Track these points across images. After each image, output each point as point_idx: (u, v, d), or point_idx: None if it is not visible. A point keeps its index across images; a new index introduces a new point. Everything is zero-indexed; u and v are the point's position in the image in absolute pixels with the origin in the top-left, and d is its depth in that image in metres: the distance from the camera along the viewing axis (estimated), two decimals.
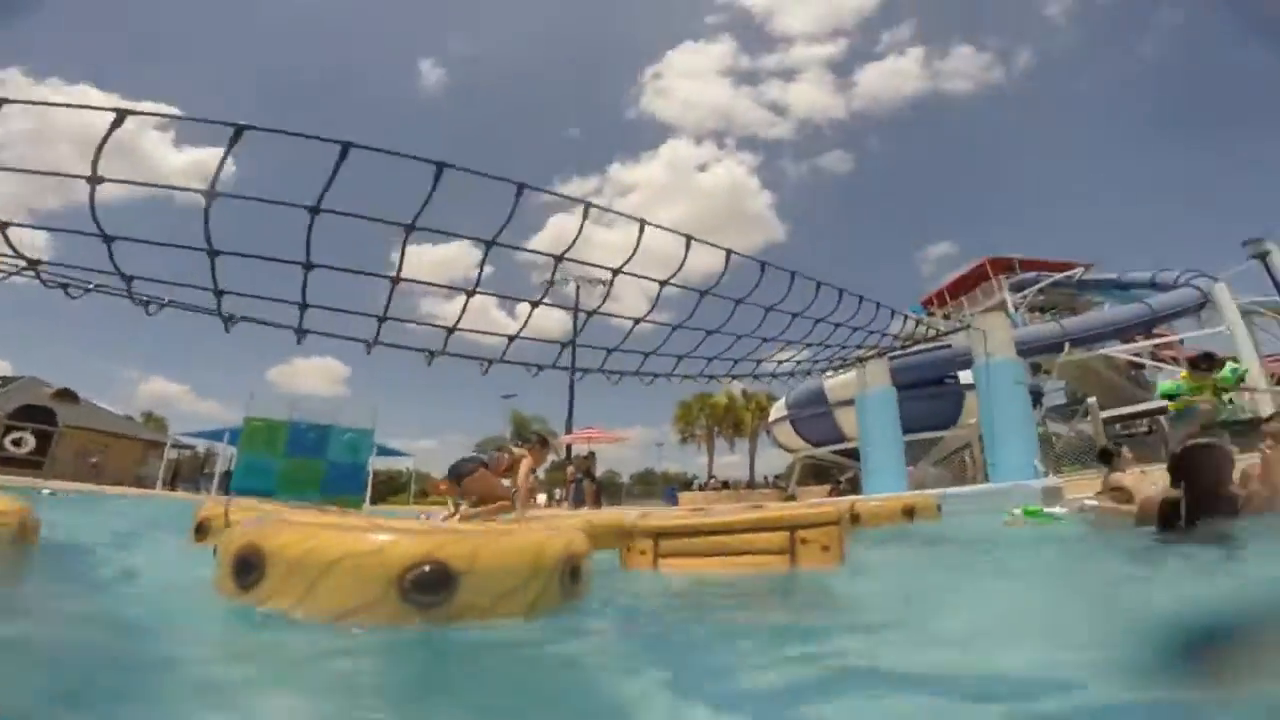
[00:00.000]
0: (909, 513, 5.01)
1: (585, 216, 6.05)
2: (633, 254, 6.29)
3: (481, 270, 6.10)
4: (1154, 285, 19.90)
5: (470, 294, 6.29)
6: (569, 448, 19.41)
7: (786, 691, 1.19)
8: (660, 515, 3.44)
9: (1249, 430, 5.54)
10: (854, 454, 14.30)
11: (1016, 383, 9.77)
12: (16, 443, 20.85)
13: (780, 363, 10.00)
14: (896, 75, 66.56)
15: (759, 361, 10.21)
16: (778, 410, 21.64)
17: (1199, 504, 2.45)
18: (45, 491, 8.16)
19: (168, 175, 61.50)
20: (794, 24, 73.13)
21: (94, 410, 27.19)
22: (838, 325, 8.99)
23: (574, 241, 6.37)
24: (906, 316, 9.52)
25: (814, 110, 71.66)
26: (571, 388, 18.80)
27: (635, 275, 7.07)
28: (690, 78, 74.72)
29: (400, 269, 5.69)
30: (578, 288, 20.68)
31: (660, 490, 29.07)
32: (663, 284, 7.26)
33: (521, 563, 1.77)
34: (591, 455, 16.99)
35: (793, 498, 18.00)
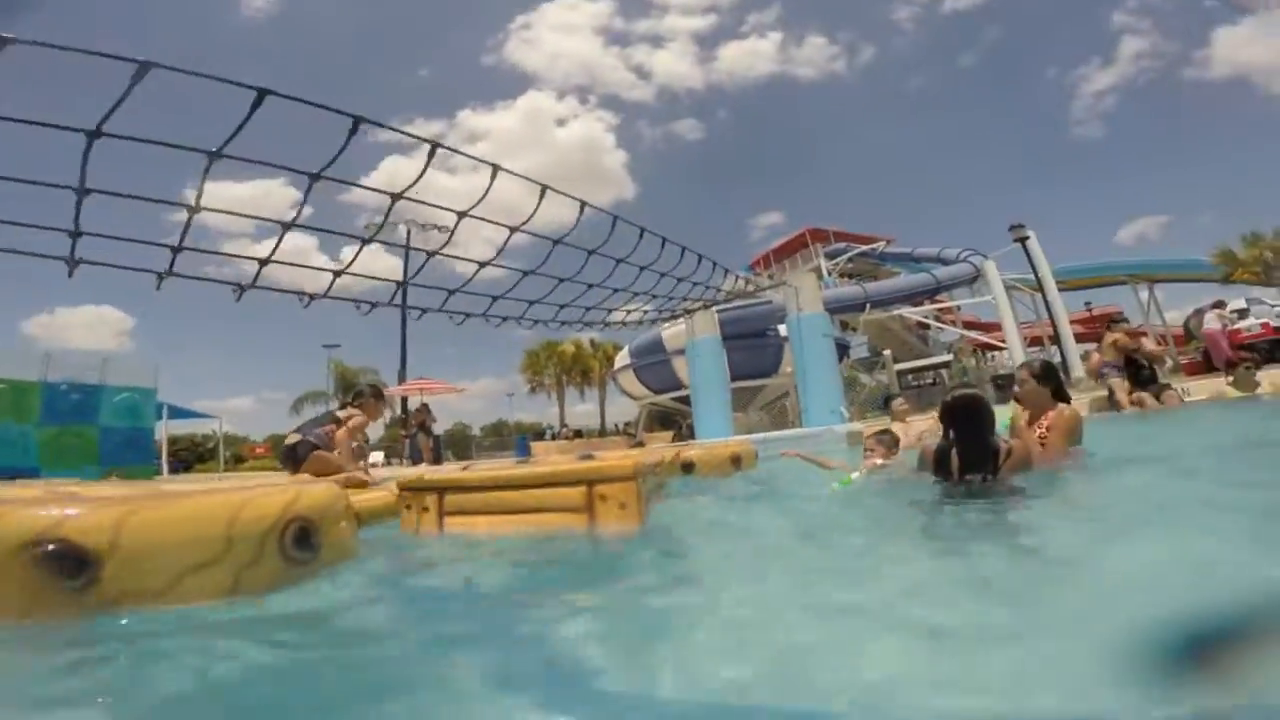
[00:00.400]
0: (736, 461, 4.70)
1: (430, 159, 5.19)
2: (482, 197, 5.72)
3: (302, 208, 5.17)
4: (940, 260, 23.38)
5: (287, 226, 5.31)
6: (404, 401, 18.61)
7: (556, 678, 1.05)
8: (455, 472, 3.05)
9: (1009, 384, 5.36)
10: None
11: (824, 335, 10.92)
12: None
13: (629, 312, 10.58)
14: (754, 55, 69.85)
15: (610, 310, 10.50)
16: (621, 359, 22.51)
17: (967, 454, 2.55)
18: None
19: None
20: None
21: None
22: (680, 280, 9.44)
23: (415, 181, 5.43)
24: (737, 276, 10.76)
25: (675, 78, 73.06)
26: (404, 333, 17.96)
27: (484, 219, 6.12)
28: (563, 31, 72.28)
29: (198, 200, 4.63)
30: (409, 230, 19.63)
31: (512, 441, 29.20)
32: (513, 230, 6.45)
33: (206, 531, 1.45)
34: (425, 407, 16.19)
35: (641, 444, 19.05)
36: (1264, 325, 11.86)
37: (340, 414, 5.14)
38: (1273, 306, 13.04)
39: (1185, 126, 65.61)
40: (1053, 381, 3.20)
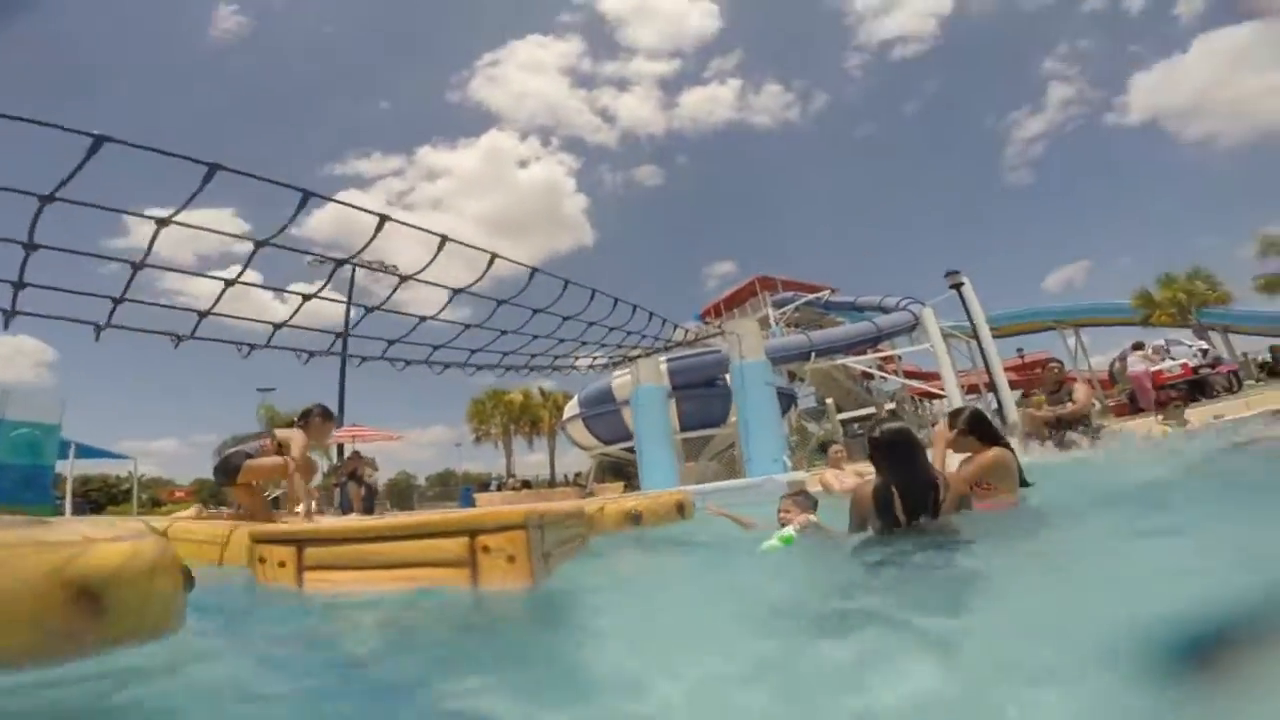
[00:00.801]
0: (680, 509, 4.63)
1: (379, 230, 5.71)
2: (428, 264, 6.16)
3: (246, 265, 5.64)
4: (880, 309, 24.05)
5: (229, 284, 5.70)
6: (340, 449, 17.81)
7: None
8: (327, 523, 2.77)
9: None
10: None
11: (765, 383, 10.86)
12: None
13: (576, 358, 10.48)
14: (714, 102, 72.89)
15: (555, 358, 10.48)
16: (571, 409, 22.22)
17: (909, 492, 2.31)
18: None
19: None
20: (642, 37, 76.71)
21: None
22: (629, 332, 9.58)
23: (364, 247, 6.07)
24: (676, 326, 10.73)
25: (638, 123, 75.46)
26: (342, 379, 17.23)
27: (427, 282, 6.58)
28: (529, 71, 74.00)
29: (147, 255, 5.11)
30: (353, 274, 18.99)
31: (457, 492, 28.18)
32: (455, 292, 6.86)
33: None
34: (357, 455, 15.41)
35: (591, 494, 18.63)
36: (1183, 366, 12.43)
37: (279, 432, 4.71)
38: (1189, 347, 13.71)
39: (1106, 171, 70.48)
40: (980, 429, 3.10)
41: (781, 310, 27.91)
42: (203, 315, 6.04)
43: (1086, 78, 63.76)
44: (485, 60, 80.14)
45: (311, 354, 7.92)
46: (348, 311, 8.82)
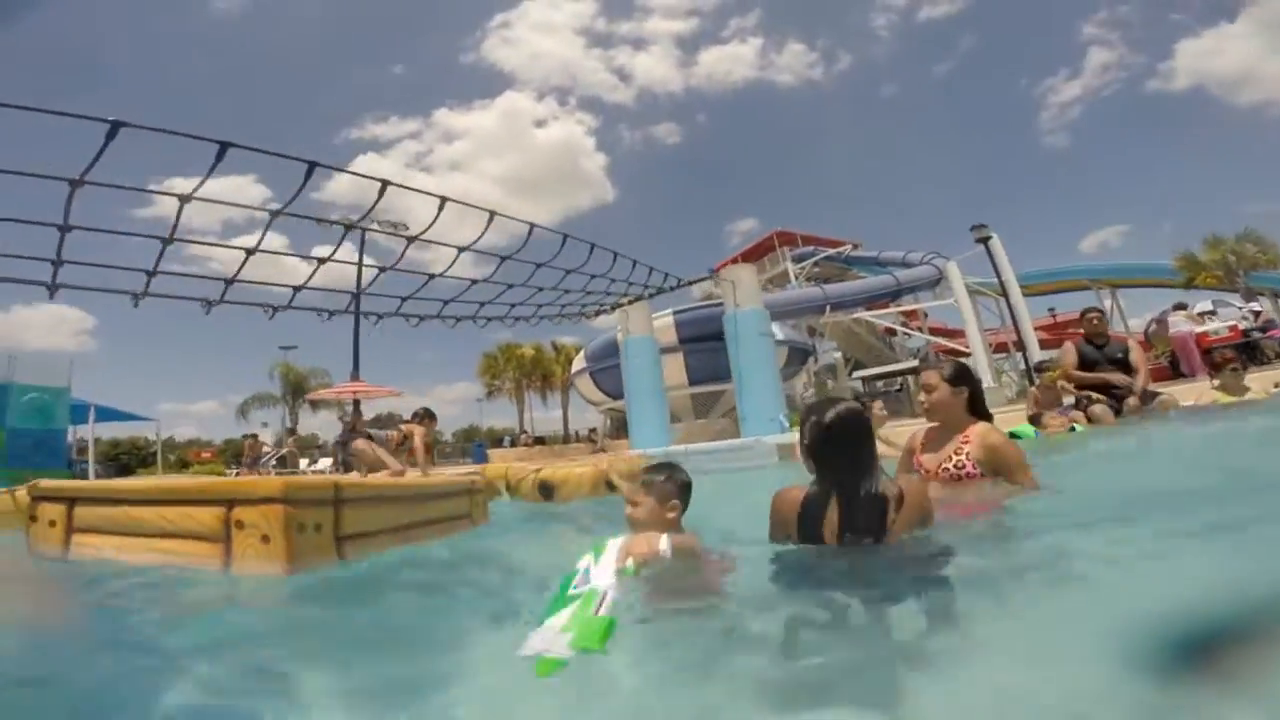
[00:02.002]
0: (610, 482, 3.85)
1: (381, 194, 6.09)
2: (429, 226, 6.53)
3: (265, 233, 6.28)
4: (904, 263, 22.92)
5: (250, 253, 6.24)
6: (356, 404, 17.68)
7: None
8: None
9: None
10: None
11: (761, 333, 10.09)
12: None
13: (583, 308, 10.25)
14: (734, 60, 70.33)
15: (562, 307, 10.36)
16: (578, 363, 21.86)
17: (853, 504, 1.63)
18: None
19: None
20: None
21: None
22: (631, 284, 9.61)
23: (366, 214, 6.60)
24: (666, 275, 10.05)
25: (655, 81, 73.40)
26: (356, 334, 17.00)
27: (431, 241, 7.12)
28: (544, 32, 72.33)
29: (174, 230, 5.78)
30: (362, 236, 18.63)
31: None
32: (461, 250, 7.19)
33: None
34: (359, 414, 15.38)
35: (602, 450, 18.30)
36: (1231, 328, 11.35)
37: (404, 426, 6.45)
38: (1239, 309, 12.60)
39: (1147, 137, 67.13)
40: (969, 387, 2.35)
41: (801, 265, 26.91)
42: (229, 283, 6.67)
43: (1127, 43, 59.99)
44: (497, 21, 78.33)
45: (331, 313, 8.75)
46: (359, 272, 9.76)
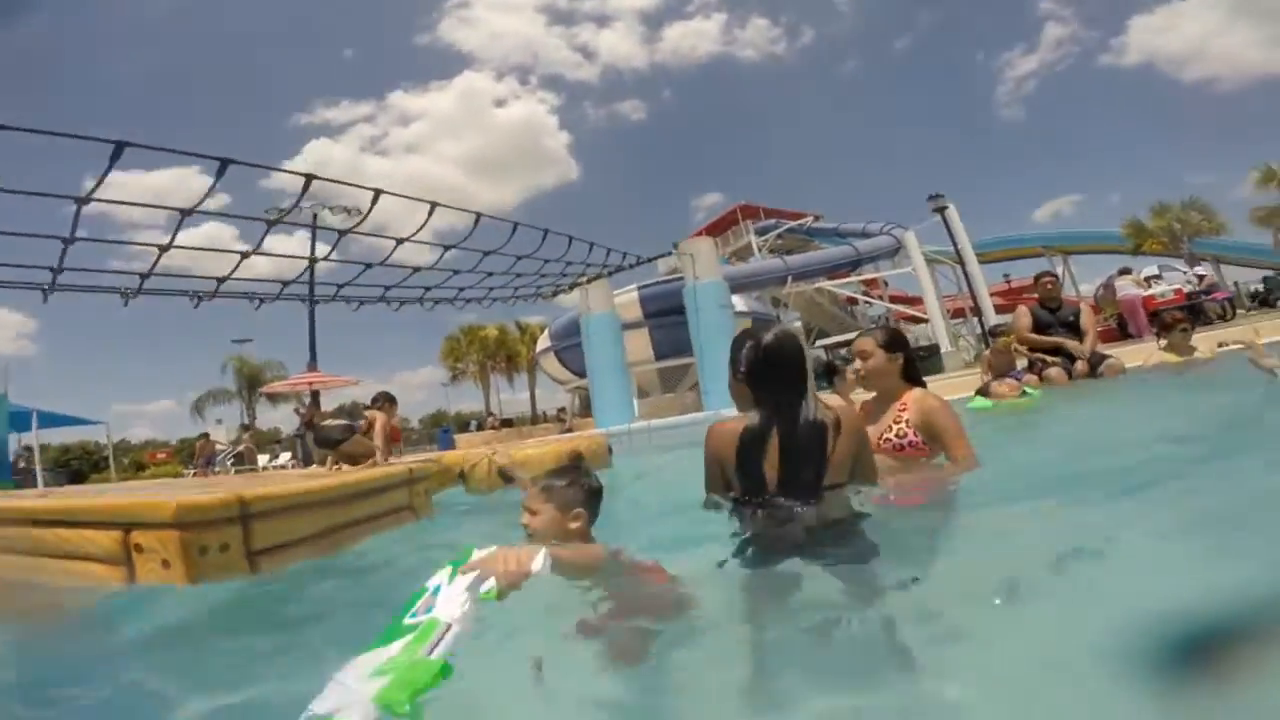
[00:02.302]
0: (506, 475, 3.53)
1: (305, 189, 6.19)
2: (363, 219, 6.64)
3: (176, 231, 6.08)
4: (864, 234, 23.07)
5: (185, 213, 5.96)
6: (315, 395, 17.13)
7: None
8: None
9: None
10: None
11: (720, 305, 10.00)
12: None
13: (539, 289, 10.16)
14: (698, 36, 69.49)
15: (516, 289, 10.26)
16: (543, 342, 21.54)
17: (792, 446, 1.53)
18: None
19: None
20: None
21: None
22: (588, 265, 9.54)
23: (287, 211, 7.04)
24: (625, 254, 9.97)
25: (619, 58, 72.18)
26: (312, 323, 16.43)
27: (367, 235, 7.41)
28: (503, 10, 70.13)
29: (172, 240, 5.90)
30: (314, 228, 18.00)
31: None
32: (399, 241, 7.26)
33: None
34: (314, 404, 15.04)
35: (571, 429, 18.10)
36: (1176, 291, 11.70)
37: (368, 413, 6.16)
38: (1183, 273, 12.98)
39: (1099, 111, 68.83)
40: (903, 353, 2.25)
41: (764, 238, 26.94)
42: (144, 277, 6.64)
43: (1082, 19, 61.07)
44: (454, 2, 75.22)
45: (262, 300, 8.70)
46: (311, 261, 9.30)
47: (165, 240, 6.15)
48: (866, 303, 25.17)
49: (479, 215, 7.19)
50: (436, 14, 78.81)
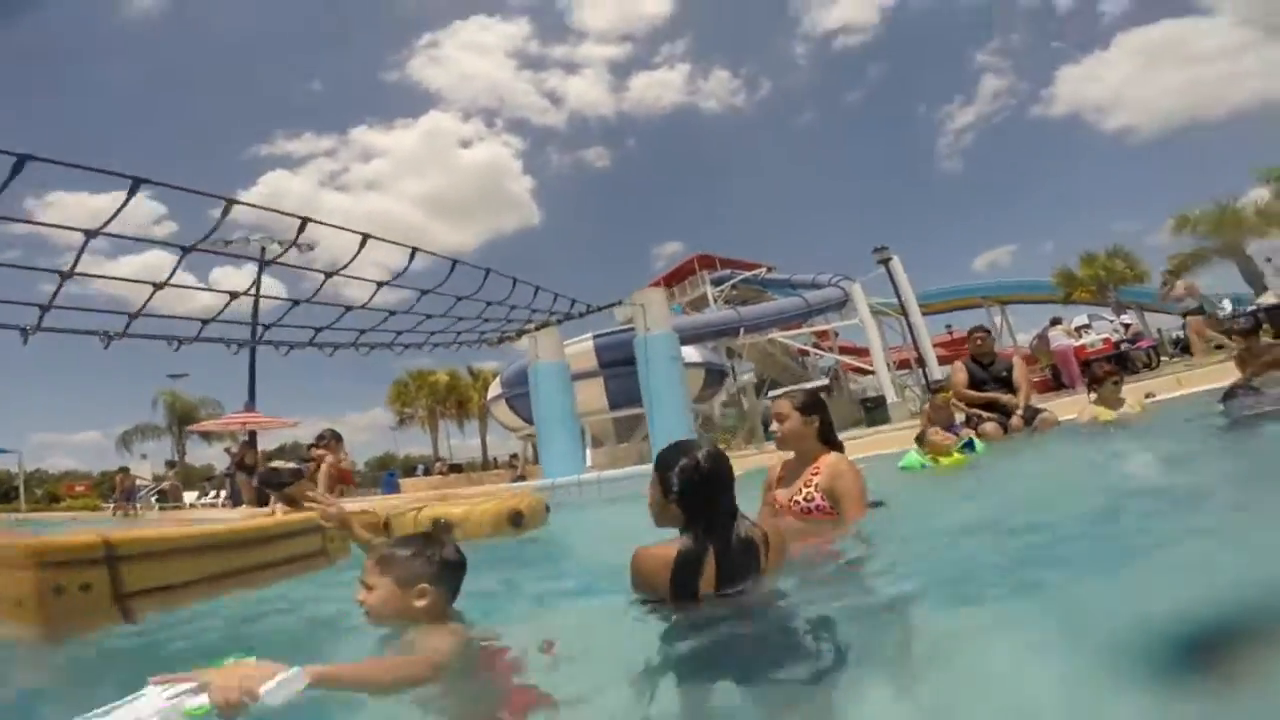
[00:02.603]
0: (515, 519, 3.54)
1: (225, 214, 5.59)
2: (285, 249, 6.80)
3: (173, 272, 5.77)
4: (814, 285, 23.75)
5: (159, 287, 5.78)
6: (253, 435, 16.50)
7: None
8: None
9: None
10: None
11: (671, 357, 9.98)
12: None
13: (482, 334, 9.98)
14: (663, 86, 71.90)
15: (459, 334, 10.03)
16: (494, 389, 21.29)
17: (727, 553, 1.52)
18: None
19: None
20: (593, 20, 75.05)
21: None
22: (534, 310, 9.46)
23: (205, 237, 5.88)
24: (574, 301, 9.92)
25: (586, 105, 73.83)
26: (253, 362, 15.95)
27: (323, 304, 7.14)
28: (474, 52, 71.40)
29: (75, 265, 5.14)
30: (262, 249, 17.57)
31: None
32: (328, 275, 6.82)
33: None
34: (247, 444, 14.53)
35: (523, 477, 17.70)
36: (1105, 341, 12.27)
37: (315, 452, 6.06)
38: (1110, 322, 13.64)
39: (1030, 162, 73.29)
40: (819, 416, 2.34)
41: (720, 288, 27.45)
42: (133, 317, 6.26)
43: (1016, 70, 65.51)
44: (425, 40, 77.22)
45: (240, 345, 7.99)
46: (256, 302, 9.21)
47: (109, 264, 5.81)
48: (818, 354, 25.74)
49: (414, 250, 6.91)
50: (407, 51, 79.67)
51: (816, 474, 2.19)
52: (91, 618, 1.63)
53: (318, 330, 8.57)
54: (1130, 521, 1.80)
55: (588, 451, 15.94)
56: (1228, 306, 11.11)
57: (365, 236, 6.14)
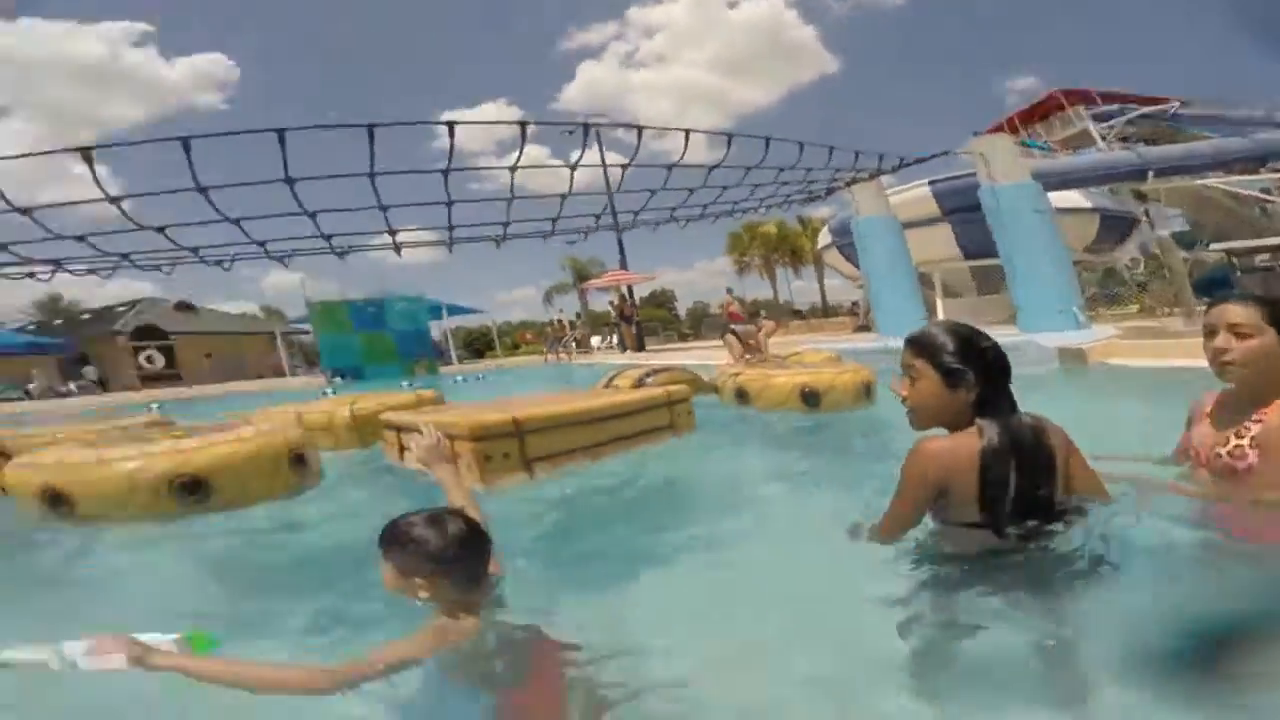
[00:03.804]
0: (811, 397, 3.61)
1: (585, 137, 8.79)
2: (632, 157, 8.82)
3: (520, 153, 8.37)
4: (1270, 122, 17.58)
5: (514, 168, 8.50)
6: (630, 290, 19.27)
7: None
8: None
9: None
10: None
11: (1035, 210, 8.63)
12: (149, 360, 21.28)
13: (789, 197, 11.54)
14: None
15: (787, 196, 11.09)
16: (823, 238, 20.52)
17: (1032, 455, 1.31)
18: (153, 406, 7.82)
19: (169, 89, 64.78)
20: None
21: (212, 315, 28.23)
22: (837, 170, 10.20)
23: (580, 156, 8.93)
24: (882, 156, 9.60)
25: None
26: (617, 227, 18.32)
27: (638, 166, 9.43)
28: None
29: (450, 160, 8.08)
30: (594, 137, 19.79)
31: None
32: (671, 167, 9.32)
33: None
34: (623, 297, 17.51)
35: (866, 328, 16.81)
36: None
37: (763, 323, 8.04)
38: None
39: None
40: None
41: (1109, 123, 21.93)
42: (509, 200, 9.89)
43: None
44: None
45: (586, 232, 12.66)
46: (605, 175, 12.41)
47: (497, 159, 8.83)
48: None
49: (730, 135, 8.55)
50: None
51: (1264, 418, 1.37)
52: (509, 476, 2.24)
53: (673, 210, 11.04)
54: None
55: (939, 303, 14.97)
56: None
57: (687, 132, 7.94)
